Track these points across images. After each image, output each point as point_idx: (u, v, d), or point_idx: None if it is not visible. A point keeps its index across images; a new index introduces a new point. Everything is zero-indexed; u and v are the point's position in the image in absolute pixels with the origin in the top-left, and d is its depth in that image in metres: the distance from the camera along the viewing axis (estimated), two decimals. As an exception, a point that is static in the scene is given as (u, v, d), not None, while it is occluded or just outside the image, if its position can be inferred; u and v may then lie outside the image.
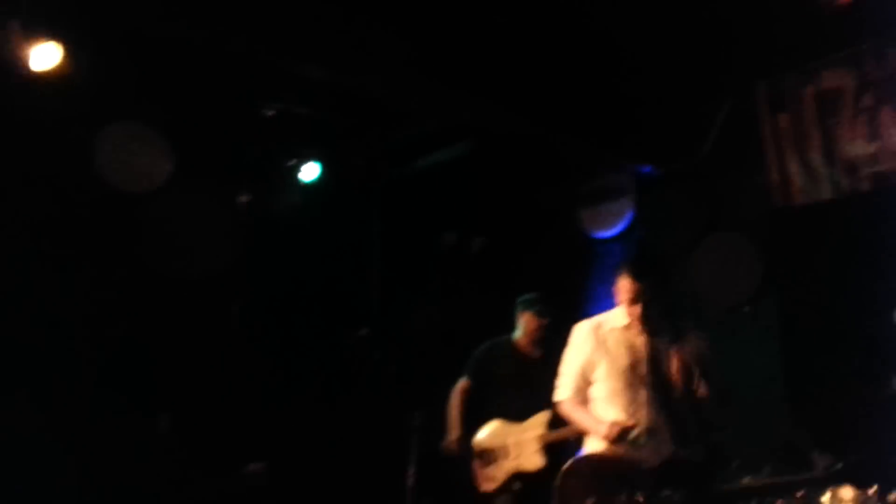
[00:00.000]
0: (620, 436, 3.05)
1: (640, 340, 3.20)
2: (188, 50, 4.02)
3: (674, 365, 3.09)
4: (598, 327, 3.30)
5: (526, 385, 3.91)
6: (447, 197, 5.54)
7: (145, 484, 4.26)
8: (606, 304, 5.43)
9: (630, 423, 3.08)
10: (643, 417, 3.13)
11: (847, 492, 2.98)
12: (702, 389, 3.12)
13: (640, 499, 2.87)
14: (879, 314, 3.93)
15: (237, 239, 5.14)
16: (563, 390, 3.26)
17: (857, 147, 4.34)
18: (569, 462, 3.09)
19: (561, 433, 3.63)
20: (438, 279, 5.22)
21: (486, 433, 3.98)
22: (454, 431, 4.01)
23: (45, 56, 3.72)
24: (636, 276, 3.14)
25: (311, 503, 4.57)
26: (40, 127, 4.34)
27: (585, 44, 4.37)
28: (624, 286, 3.18)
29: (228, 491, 4.36)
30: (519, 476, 3.74)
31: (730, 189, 4.92)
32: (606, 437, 3.07)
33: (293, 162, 5.57)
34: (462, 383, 4.10)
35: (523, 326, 4.12)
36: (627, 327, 3.23)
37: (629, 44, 4.40)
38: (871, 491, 2.94)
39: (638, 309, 3.13)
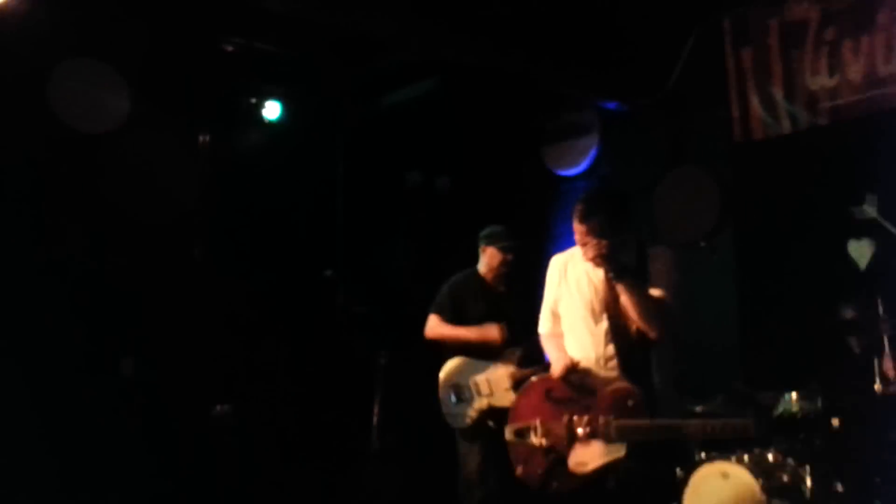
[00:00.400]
0: (569, 373, 3.18)
1: (599, 276, 3.27)
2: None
3: (626, 301, 3.18)
4: (565, 263, 3.40)
5: (493, 319, 3.94)
6: (412, 136, 5.50)
7: (110, 427, 4.30)
8: (570, 241, 5.52)
9: (576, 361, 3.19)
10: (599, 350, 3.23)
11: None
12: (652, 332, 3.21)
13: (582, 421, 3.02)
14: (833, 246, 4.03)
15: (199, 179, 5.08)
16: (541, 325, 3.42)
17: (818, 81, 4.33)
18: (524, 385, 3.24)
19: (531, 370, 3.71)
20: (404, 219, 5.21)
21: (454, 370, 4.02)
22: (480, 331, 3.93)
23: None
24: (584, 216, 3.18)
25: (278, 443, 4.66)
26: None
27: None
28: (575, 227, 3.22)
29: (195, 433, 4.43)
30: (492, 413, 3.78)
31: (693, 124, 4.92)
32: (556, 375, 3.20)
33: (255, 100, 5.47)
34: (436, 318, 4.07)
35: (487, 260, 4.11)
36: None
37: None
38: None
39: (590, 249, 3.18)
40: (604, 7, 4.60)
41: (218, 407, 4.40)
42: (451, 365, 4.00)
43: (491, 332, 3.84)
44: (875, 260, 4.00)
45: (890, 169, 4.08)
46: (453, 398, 3.91)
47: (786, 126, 4.45)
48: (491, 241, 4.09)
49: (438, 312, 4.05)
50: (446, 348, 4.04)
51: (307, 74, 5.51)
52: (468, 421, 3.82)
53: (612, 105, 5.17)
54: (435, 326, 4.00)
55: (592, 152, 5.38)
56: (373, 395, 4.06)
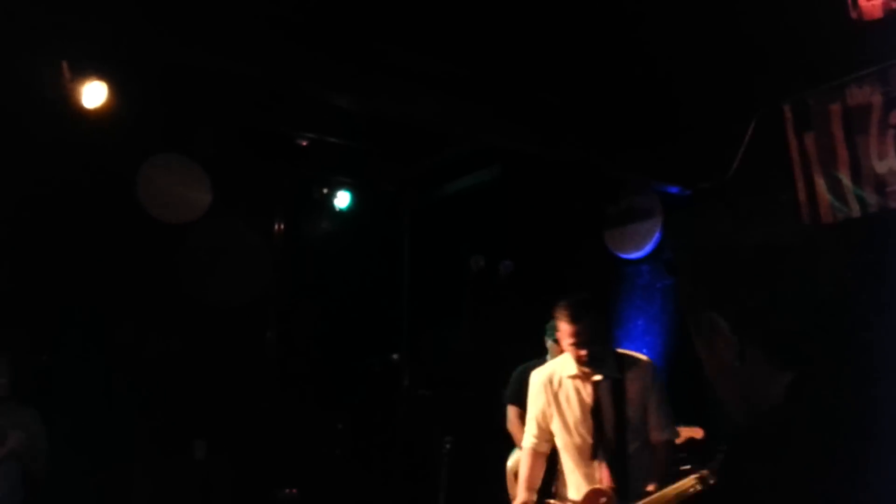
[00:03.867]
0: None
1: (588, 389, 3.18)
2: (223, 81, 4.19)
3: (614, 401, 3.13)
4: (549, 380, 3.27)
5: None
6: (475, 221, 5.63)
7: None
8: (635, 324, 5.49)
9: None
10: (595, 474, 3.16)
11: None
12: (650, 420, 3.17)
13: None
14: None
15: (273, 265, 5.30)
16: (525, 439, 3.34)
17: (886, 164, 4.30)
18: None
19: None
20: (467, 303, 5.28)
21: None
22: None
23: (92, 93, 3.93)
24: (576, 317, 3.07)
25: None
26: (88, 161, 4.56)
27: (612, 66, 4.44)
28: (566, 329, 3.11)
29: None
30: None
31: (756, 209, 4.91)
32: None
33: (326, 190, 5.74)
34: (515, 411, 4.09)
35: (558, 353, 4.11)
36: (575, 376, 3.21)
37: (655, 66, 4.46)
38: None
39: (582, 351, 3.10)
40: (663, 92, 4.71)
41: (286, 490, 4.43)
42: (518, 454, 3.98)
43: None
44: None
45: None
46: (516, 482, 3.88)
47: (855, 210, 4.39)
48: (553, 336, 4.10)
49: (515, 403, 4.06)
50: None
51: (375, 165, 5.78)
52: None
53: (673, 189, 5.22)
54: (514, 423, 4.04)
55: (655, 235, 5.40)
56: (438, 480, 4.03)
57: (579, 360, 3.14)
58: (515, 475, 3.90)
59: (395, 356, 4.43)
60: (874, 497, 3.87)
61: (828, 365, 4.24)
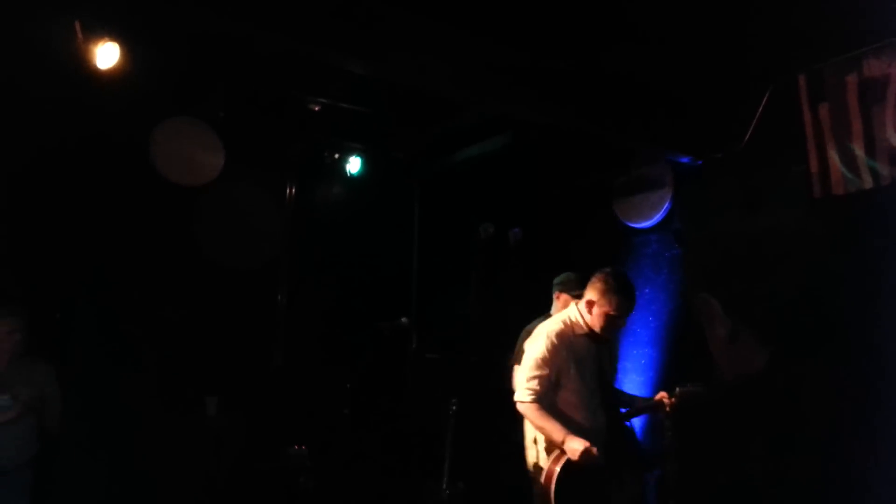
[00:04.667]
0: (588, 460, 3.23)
1: (594, 348, 3.47)
2: (236, 44, 4.19)
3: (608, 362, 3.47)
4: (568, 338, 3.41)
5: None
6: (485, 188, 5.64)
7: (196, 465, 4.48)
8: (642, 293, 5.51)
9: (594, 453, 3.25)
10: (601, 420, 3.40)
11: None
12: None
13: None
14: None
15: (285, 229, 5.34)
16: (535, 394, 3.38)
17: (900, 135, 4.27)
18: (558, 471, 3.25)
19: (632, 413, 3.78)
20: (475, 269, 5.31)
21: None
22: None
23: (105, 54, 3.94)
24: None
25: (351, 486, 4.74)
26: (100, 122, 4.59)
27: (626, 35, 4.40)
28: (622, 305, 3.36)
29: (272, 472, 4.56)
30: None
31: (767, 180, 4.89)
32: (579, 460, 3.23)
33: (338, 155, 5.76)
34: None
35: (560, 306, 4.15)
36: (586, 335, 3.45)
37: (668, 35, 4.42)
38: None
39: (620, 326, 3.44)
40: (677, 62, 4.67)
41: (295, 447, 4.53)
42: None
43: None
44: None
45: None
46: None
47: (867, 181, 4.37)
48: (565, 287, 4.15)
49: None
50: None
51: (386, 131, 5.78)
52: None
53: (684, 159, 5.20)
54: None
55: (665, 206, 5.40)
56: (444, 440, 4.11)
57: (612, 331, 3.43)
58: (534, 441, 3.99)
59: (404, 320, 4.48)
60: (870, 477, 3.91)
61: (826, 349, 4.26)
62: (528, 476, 3.50)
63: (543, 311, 4.40)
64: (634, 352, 5.40)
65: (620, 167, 5.59)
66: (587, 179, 5.55)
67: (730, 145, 4.96)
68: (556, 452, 3.29)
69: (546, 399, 3.37)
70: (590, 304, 3.39)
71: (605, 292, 3.35)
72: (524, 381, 3.37)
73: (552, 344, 3.37)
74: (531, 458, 3.45)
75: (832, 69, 4.58)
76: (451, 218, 5.62)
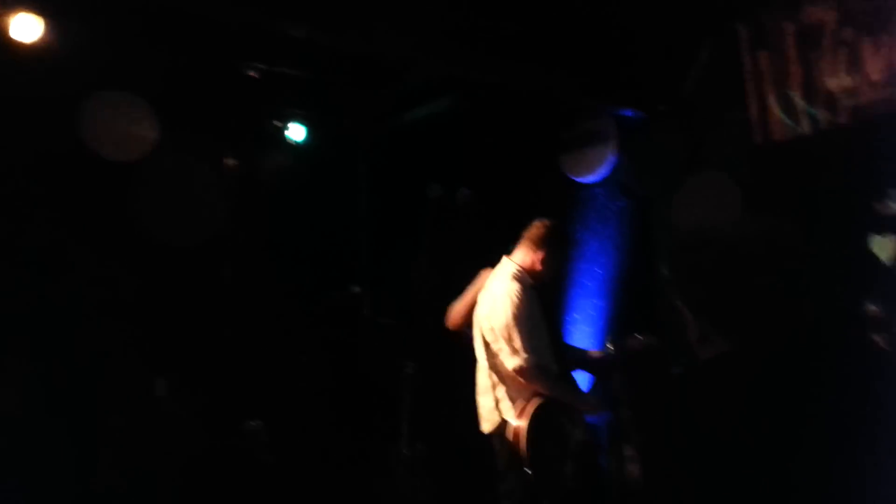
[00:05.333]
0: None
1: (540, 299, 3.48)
2: (171, 13, 4.02)
3: None
4: (527, 288, 3.41)
5: None
6: (433, 150, 5.57)
7: (146, 446, 4.40)
8: (592, 247, 5.57)
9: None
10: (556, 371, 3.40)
11: None
12: None
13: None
14: (853, 242, 4.03)
15: (227, 202, 5.21)
16: (539, 354, 3.33)
17: (837, 81, 4.34)
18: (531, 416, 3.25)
19: None
20: (427, 232, 5.28)
21: None
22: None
23: (26, 28, 3.74)
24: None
25: (309, 456, 4.72)
26: (27, 100, 4.38)
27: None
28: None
29: (227, 449, 4.51)
30: None
31: (711, 128, 4.94)
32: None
33: (280, 123, 5.61)
34: None
35: None
36: (535, 287, 3.47)
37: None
38: None
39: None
40: (617, 16, 4.65)
41: (249, 423, 4.48)
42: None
43: None
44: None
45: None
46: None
47: (806, 127, 4.45)
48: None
49: None
50: None
51: (330, 96, 5.64)
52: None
53: (628, 112, 5.22)
54: None
55: (610, 160, 5.42)
56: (401, 405, 4.12)
57: (553, 277, 3.40)
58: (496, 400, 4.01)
59: (355, 287, 4.43)
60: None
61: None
62: (489, 435, 3.48)
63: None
64: (582, 303, 5.47)
65: (566, 122, 5.57)
66: (534, 136, 5.52)
67: (673, 97, 4.99)
68: (519, 407, 3.29)
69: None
70: (532, 254, 3.37)
71: (556, 243, 3.35)
72: (521, 344, 3.24)
73: (525, 293, 3.35)
74: (494, 417, 3.44)
75: (771, 17, 4.62)
76: (400, 182, 5.54)
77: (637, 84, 5.02)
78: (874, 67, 4.20)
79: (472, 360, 4.05)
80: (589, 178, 5.56)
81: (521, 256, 3.44)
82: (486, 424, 3.45)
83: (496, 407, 3.38)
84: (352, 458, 4.56)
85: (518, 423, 3.27)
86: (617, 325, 5.14)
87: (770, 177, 4.57)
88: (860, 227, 4.15)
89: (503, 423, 3.36)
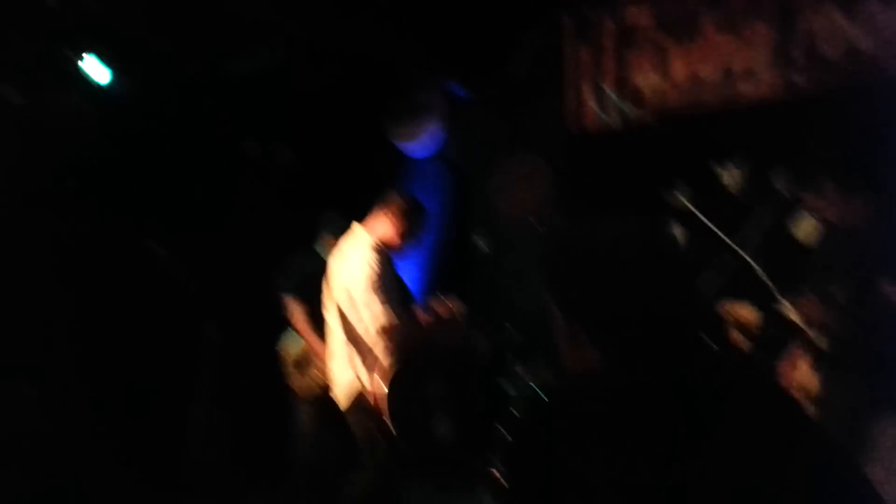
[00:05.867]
0: None
1: None
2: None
3: None
4: (387, 256, 3.39)
5: None
6: (253, 106, 5.27)
7: None
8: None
9: None
10: None
11: None
12: None
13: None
14: (658, 236, 4.35)
15: (12, 146, 4.59)
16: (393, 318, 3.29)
17: (646, 80, 4.64)
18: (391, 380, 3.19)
19: None
20: (242, 191, 5.01)
21: (297, 341, 3.96)
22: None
23: None
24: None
25: (100, 420, 4.32)
26: None
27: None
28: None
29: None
30: None
31: (533, 115, 5.12)
32: None
33: (81, 61, 5.03)
34: (297, 303, 3.96)
35: (326, 246, 4.06)
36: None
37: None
38: None
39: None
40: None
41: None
42: (295, 340, 3.94)
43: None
44: (687, 245, 4.36)
45: (704, 164, 4.47)
46: (298, 370, 3.86)
47: (616, 120, 4.73)
48: (329, 227, 4.02)
49: (296, 295, 3.94)
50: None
51: (141, 37, 5.13)
52: (319, 392, 3.78)
53: (456, 88, 5.27)
54: (295, 314, 3.91)
55: (438, 134, 5.46)
56: (201, 368, 3.88)
57: (407, 251, 3.41)
58: (296, 364, 3.87)
59: (155, 244, 4.08)
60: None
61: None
62: (346, 410, 3.33)
63: (313, 236, 4.26)
64: (406, 277, 5.48)
65: (395, 92, 5.52)
66: (364, 102, 5.41)
67: (500, 80, 5.10)
68: (375, 374, 3.22)
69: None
70: (392, 226, 3.31)
71: (411, 212, 3.32)
72: (380, 309, 3.18)
73: (386, 261, 3.27)
74: (353, 390, 3.29)
75: (595, 12, 4.85)
76: (215, 135, 5.19)
77: (467, 61, 5.07)
78: (679, 71, 4.53)
79: (278, 324, 3.92)
80: (415, 150, 5.56)
81: (380, 228, 3.35)
82: (344, 399, 3.31)
83: (356, 378, 3.27)
84: (148, 425, 4.23)
85: (379, 389, 3.19)
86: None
87: (582, 165, 4.82)
88: (658, 218, 4.48)
89: (362, 394, 3.26)
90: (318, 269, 3.94)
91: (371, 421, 3.23)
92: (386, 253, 3.31)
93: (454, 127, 5.43)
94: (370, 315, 3.18)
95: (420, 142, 5.47)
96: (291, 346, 4.02)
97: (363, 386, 3.27)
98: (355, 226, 3.42)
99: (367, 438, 3.26)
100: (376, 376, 3.21)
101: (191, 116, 5.05)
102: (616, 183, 4.62)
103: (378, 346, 3.21)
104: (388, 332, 3.19)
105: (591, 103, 4.80)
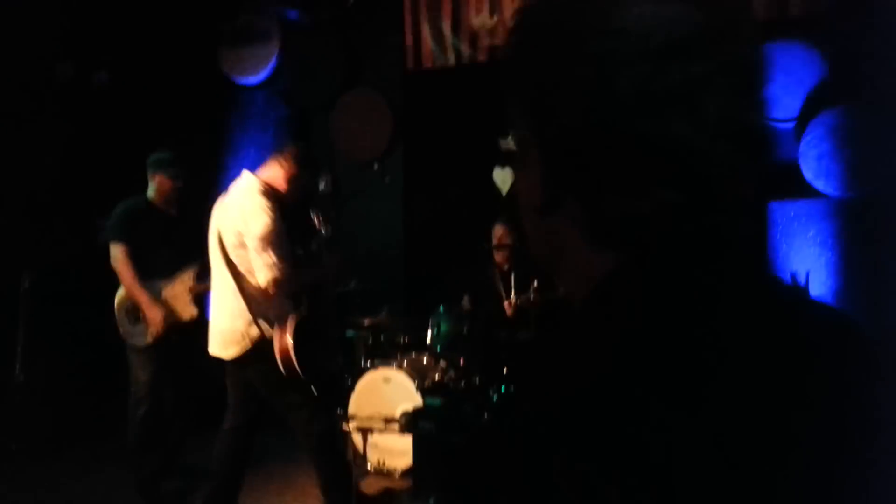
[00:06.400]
0: None
1: None
2: None
3: None
4: (277, 202, 3.33)
5: (168, 243, 3.80)
6: (63, 21, 4.73)
7: None
8: (247, 152, 5.42)
9: None
10: None
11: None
12: None
13: None
14: (481, 173, 4.60)
15: None
16: (282, 269, 3.16)
17: (480, 20, 4.73)
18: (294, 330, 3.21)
19: (208, 284, 3.71)
20: (53, 118, 4.56)
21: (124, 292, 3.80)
22: (149, 307, 3.68)
23: None
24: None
25: None
26: None
27: None
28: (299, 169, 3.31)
29: None
30: (176, 326, 3.72)
31: (370, 47, 5.06)
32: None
33: None
34: (121, 249, 3.74)
35: (157, 187, 3.85)
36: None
37: None
38: None
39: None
40: None
41: None
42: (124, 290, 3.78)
43: (154, 313, 3.69)
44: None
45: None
46: (129, 319, 3.72)
47: (451, 59, 4.81)
48: (159, 168, 3.80)
49: (121, 240, 3.72)
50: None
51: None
52: (150, 339, 3.69)
53: (293, 15, 5.05)
54: (121, 261, 3.70)
55: (272, 61, 5.23)
56: (15, 322, 3.63)
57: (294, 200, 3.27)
58: (127, 313, 3.73)
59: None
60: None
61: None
62: (233, 360, 3.26)
63: (136, 168, 4.01)
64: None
65: (226, 13, 5.18)
66: (191, 23, 5.03)
67: (337, 5, 4.95)
68: (278, 326, 3.19)
69: None
70: (283, 173, 3.24)
71: (298, 163, 3.24)
72: (276, 258, 3.06)
73: (279, 215, 3.16)
74: (245, 340, 3.21)
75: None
76: (22, 54, 4.62)
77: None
78: (511, 11, 4.64)
79: (106, 273, 3.73)
80: (249, 80, 5.31)
81: (271, 174, 3.24)
82: (232, 349, 3.23)
83: (249, 328, 3.19)
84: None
85: (284, 339, 3.16)
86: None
87: (418, 102, 4.90)
88: (488, 160, 4.73)
89: (260, 344, 3.20)
90: (145, 212, 3.77)
91: (272, 371, 3.26)
92: (276, 199, 3.27)
93: (288, 55, 5.23)
94: (263, 263, 3.16)
95: (253, 70, 5.23)
96: (121, 294, 3.86)
97: (261, 334, 3.26)
98: (244, 172, 3.33)
99: (274, 385, 3.30)
100: (277, 326, 3.23)
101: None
102: (453, 122, 4.77)
103: (272, 295, 3.23)
104: (283, 281, 3.20)
105: (429, 41, 4.82)
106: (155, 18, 4.93)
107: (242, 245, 3.14)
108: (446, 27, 4.80)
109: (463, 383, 3.92)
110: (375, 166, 4.86)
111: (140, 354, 3.68)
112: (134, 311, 3.71)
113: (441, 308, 4.07)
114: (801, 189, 4.19)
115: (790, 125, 4.29)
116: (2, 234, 3.84)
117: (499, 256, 4.38)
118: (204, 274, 3.71)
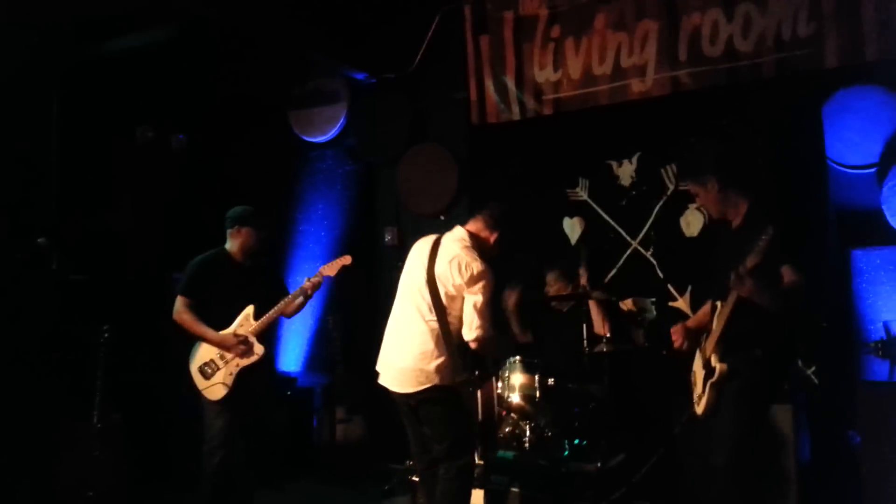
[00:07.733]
0: None
1: None
2: None
3: None
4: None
5: (242, 294, 3.86)
6: (146, 87, 5.00)
7: None
8: (315, 208, 5.54)
9: None
10: None
11: None
12: None
13: None
14: (549, 223, 4.58)
15: None
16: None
17: (544, 74, 4.77)
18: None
19: (268, 317, 3.73)
20: (133, 179, 4.76)
21: (199, 351, 3.86)
22: (220, 338, 3.77)
23: None
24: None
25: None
26: None
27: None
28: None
29: None
30: (246, 369, 3.76)
31: (435, 104, 5.16)
32: None
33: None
34: (182, 301, 3.83)
35: (241, 241, 3.92)
36: None
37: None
38: None
39: None
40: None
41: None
42: (197, 348, 3.83)
43: (228, 340, 3.73)
44: (585, 236, 4.62)
45: (598, 157, 4.68)
46: (204, 375, 3.77)
47: (515, 112, 4.85)
48: (246, 222, 3.88)
49: (185, 294, 3.81)
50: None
51: (11, 8, 4.72)
52: (225, 391, 3.71)
53: (360, 76, 5.22)
54: (182, 312, 3.77)
55: (340, 121, 5.40)
56: (94, 371, 3.70)
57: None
58: (201, 368, 3.77)
59: (41, 240, 3.81)
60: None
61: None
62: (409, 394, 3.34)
63: (212, 226, 4.11)
64: (306, 266, 5.43)
65: (297, 78, 5.40)
66: (261, 87, 5.26)
67: (402, 67, 5.10)
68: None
69: None
70: (489, 232, 3.43)
71: (500, 223, 3.45)
72: (485, 317, 3.28)
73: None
74: (433, 378, 3.31)
75: (494, 3, 4.91)
76: (102, 119, 4.88)
77: (369, 50, 5.04)
78: (574, 66, 4.67)
79: (168, 322, 3.78)
80: (318, 138, 5.49)
81: (477, 230, 3.43)
82: (410, 387, 3.33)
83: (444, 363, 3.30)
84: (40, 430, 3.99)
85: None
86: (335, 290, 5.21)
87: (484, 156, 4.93)
88: (555, 209, 4.70)
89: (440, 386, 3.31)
90: (223, 265, 3.84)
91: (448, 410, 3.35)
92: (488, 260, 3.39)
93: (355, 113, 5.38)
94: (478, 323, 3.28)
95: (321, 130, 5.40)
96: (195, 354, 3.92)
97: (465, 376, 3.32)
98: (456, 226, 3.46)
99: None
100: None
101: (75, 96, 4.72)
102: (516, 175, 4.79)
103: (472, 350, 3.35)
104: (486, 342, 3.33)
105: (493, 95, 4.88)
106: (232, 86, 5.17)
107: (459, 298, 3.27)
108: (510, 82, 4.86)
109: (535, 436, 3.80)
110: (442, 218, 4.86)
111: (216, 403, 3.70)
112: (207, 367, 3.74)
113: (512, 358, 3.99)
114: (886, 236, 4.02)
115: (871, 171, 4.15)
116: (85, 287, 3.97)
117: (561, 306, 4.31)
118: (259, 313, 3.77)
